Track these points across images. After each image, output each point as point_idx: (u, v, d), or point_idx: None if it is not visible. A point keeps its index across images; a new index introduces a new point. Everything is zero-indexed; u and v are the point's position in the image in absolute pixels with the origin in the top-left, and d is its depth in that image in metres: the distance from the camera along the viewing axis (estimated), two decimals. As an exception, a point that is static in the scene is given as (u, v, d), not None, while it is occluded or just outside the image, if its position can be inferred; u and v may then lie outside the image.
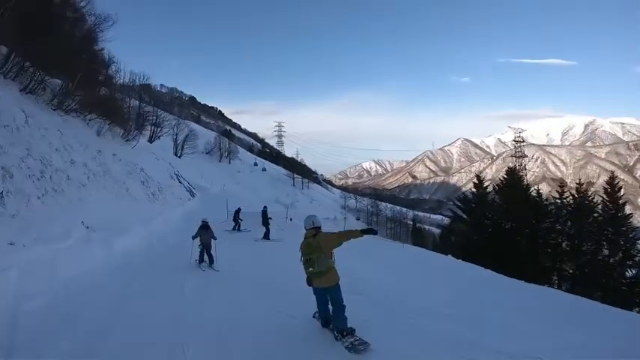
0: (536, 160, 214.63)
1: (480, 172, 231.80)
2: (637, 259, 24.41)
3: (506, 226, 28.34)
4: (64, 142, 13.87)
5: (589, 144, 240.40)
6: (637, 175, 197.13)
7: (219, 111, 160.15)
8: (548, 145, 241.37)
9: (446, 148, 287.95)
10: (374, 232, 5.53)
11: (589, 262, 25.27)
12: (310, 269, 5.14)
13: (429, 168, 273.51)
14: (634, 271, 24.26)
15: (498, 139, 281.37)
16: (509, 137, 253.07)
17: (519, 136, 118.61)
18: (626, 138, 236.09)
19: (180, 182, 27.90)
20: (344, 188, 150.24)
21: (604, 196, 26.97)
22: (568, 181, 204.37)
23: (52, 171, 10.86)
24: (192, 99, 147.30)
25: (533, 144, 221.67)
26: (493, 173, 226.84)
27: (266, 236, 17.71)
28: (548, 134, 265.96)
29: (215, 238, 10.63)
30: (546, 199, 29.99)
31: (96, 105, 20.34)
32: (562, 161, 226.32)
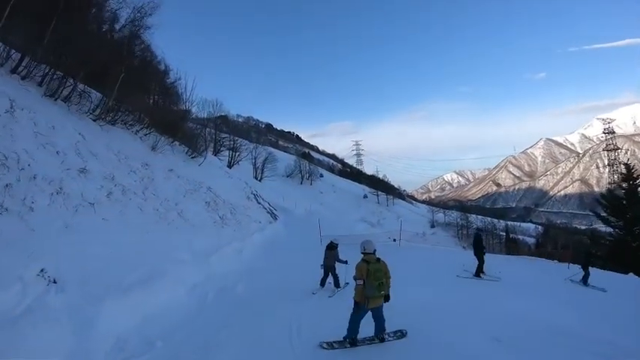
0: (626, 152, 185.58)
1: (567, 172, 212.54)
2: None
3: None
4: (82, 147, 9.42)
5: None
6: None
7: (297, 135, 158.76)
8: (637, 134, 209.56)
9: (528, 151, 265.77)
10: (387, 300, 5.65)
11: None
12: (382, 292, 5.46)
13: (513, 174, 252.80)
14: None
15: (582, 134, 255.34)
16: (593, 131, 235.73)
17: (609, 127, 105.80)
18: None
19: (258, 203, 23.09)
20: (428, 202, 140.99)
21: None
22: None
23: (19, 177, 6.07)
24: (269, 125, 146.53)
25: (621, 135, 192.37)
26: (581, 172, 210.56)
27: (479, 271, 11.90)
28: (634, 122, 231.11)
29: (344, 262, 8.93)
30: None
31: (153, 119, 16.68)
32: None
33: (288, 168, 77.74)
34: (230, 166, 38.35)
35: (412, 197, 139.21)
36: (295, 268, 8.15)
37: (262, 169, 56.38)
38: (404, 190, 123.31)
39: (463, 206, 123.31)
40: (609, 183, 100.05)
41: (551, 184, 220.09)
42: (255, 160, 55.54)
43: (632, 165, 26.25)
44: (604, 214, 26.06)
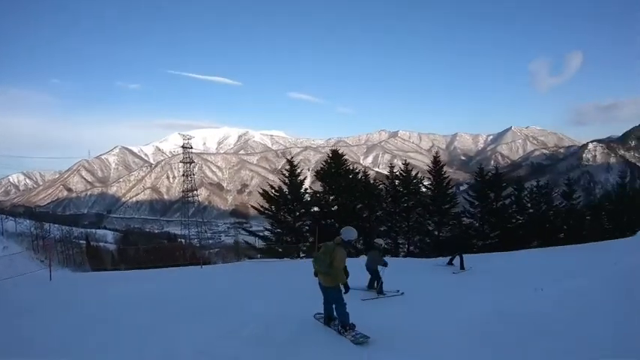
0: (195, 166, 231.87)
1: (140, 180, 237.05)
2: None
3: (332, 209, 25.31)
4: None
5: (242, 152, 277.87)
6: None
7: None
8: (205, 153, 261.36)
9: (103, 157, 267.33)
10: (347, 290, 5.94)
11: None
12: (316, 267, 5.99)
13: (86, 179, 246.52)
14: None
15: (157, 147, 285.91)
16: (167, 146, 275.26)
17: (188, 143, 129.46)
18: (274, 147, 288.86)
19: None
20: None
21: (430, 175, 28.49)
22: (224, 184, 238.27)
23: None
24: None
25: (194, 152, 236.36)
26: (153, 181, 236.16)
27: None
28: (204, 143, 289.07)
29: (384, 265, 8.77)
30: (374, 180, 29.81)
31: None
32: (218, 167, 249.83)
33: None
34: None
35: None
36: None
37: None
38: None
39: (33, 213, 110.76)
40: (183, 191, 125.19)
41: (123, 191, 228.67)
42: None
43: (294, 163, 27.48)
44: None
